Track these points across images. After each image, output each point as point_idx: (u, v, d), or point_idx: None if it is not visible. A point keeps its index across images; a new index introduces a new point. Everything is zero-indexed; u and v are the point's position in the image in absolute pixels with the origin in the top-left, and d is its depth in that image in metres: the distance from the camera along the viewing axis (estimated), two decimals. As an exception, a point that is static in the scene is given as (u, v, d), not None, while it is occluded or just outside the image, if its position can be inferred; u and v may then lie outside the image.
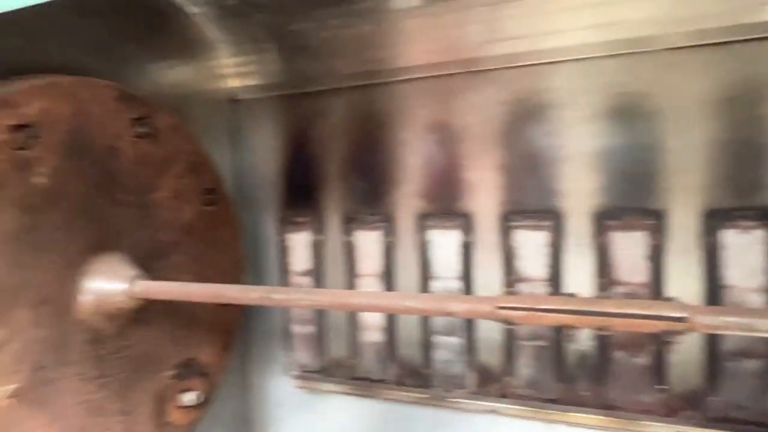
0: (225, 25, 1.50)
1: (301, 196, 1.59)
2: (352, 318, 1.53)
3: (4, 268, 0.96)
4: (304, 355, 1.61)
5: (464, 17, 1.28)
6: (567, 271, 1.25)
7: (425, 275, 1.42)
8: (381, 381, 1.51)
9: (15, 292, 0.97)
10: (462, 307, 0.84)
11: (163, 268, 1.29)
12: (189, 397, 1.32)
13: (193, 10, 1.46)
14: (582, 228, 1.24)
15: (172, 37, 1.44)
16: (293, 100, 1.58)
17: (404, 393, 1.48)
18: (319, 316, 1.58)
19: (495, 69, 1.30)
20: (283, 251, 1.61)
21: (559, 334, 1.29)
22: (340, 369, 1.57)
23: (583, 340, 1.26)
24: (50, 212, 1.03)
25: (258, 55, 1.54)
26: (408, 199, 1.45)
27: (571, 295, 0.96)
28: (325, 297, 0.95)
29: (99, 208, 1.13)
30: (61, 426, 1.04)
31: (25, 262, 0.99)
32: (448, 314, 0.87)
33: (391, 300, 0.90)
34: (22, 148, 0.97)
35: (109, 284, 1.09)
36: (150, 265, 1.25)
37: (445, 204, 1.39)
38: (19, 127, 0.96)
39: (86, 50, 1.19)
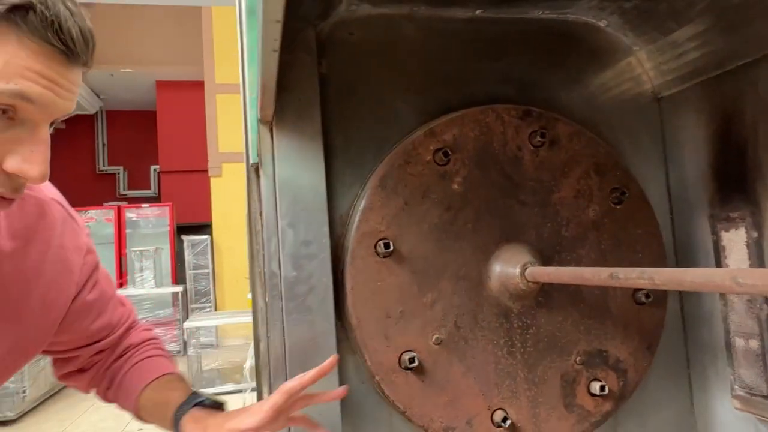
0: (633, 26, 1.53)
1: (734, 188, 1.39)
2: (807, 334, 1.22)
3: (434, 250, 1.34)
4: (749, 374, 1.37)
5: None
6: None
7: None
8: None
9: (441, 268, 1.34)
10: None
11: (569, 260, 1.42)
12: (598, 387, 1.38)
13: (602, 23, 1.56)
14: None
15: (587, 52, 1.58)
16: (715, 83, 1.42)
17: None
18: (763, 327, 1.32)
19: None
20: (718, 252, 1.44)
21: None
22: (798, 398, 1.25)
23: None
24: (464, 210, 1.36)
25: (671, 47, 1.48)
26: None
27: None
28: (660, 276, 0.89)
29: (503, 208, 1.39)
30: (475, 377, 1.33)
31: (447, 247, 1.35)
32: (788, 293, 0.68)
33: (721, 276, 0.76)
34: (442, 165, 1.35)
35: (507, 268, 1.33)
36: (555, 257, 1.41)
37: None
38: (439, 149, 1.34)
39: (498, 85, 1.49)
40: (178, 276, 10.64)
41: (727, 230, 1.41)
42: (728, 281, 0.76)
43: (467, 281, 1.36)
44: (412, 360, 1.28)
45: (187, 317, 8.71)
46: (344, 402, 1.30)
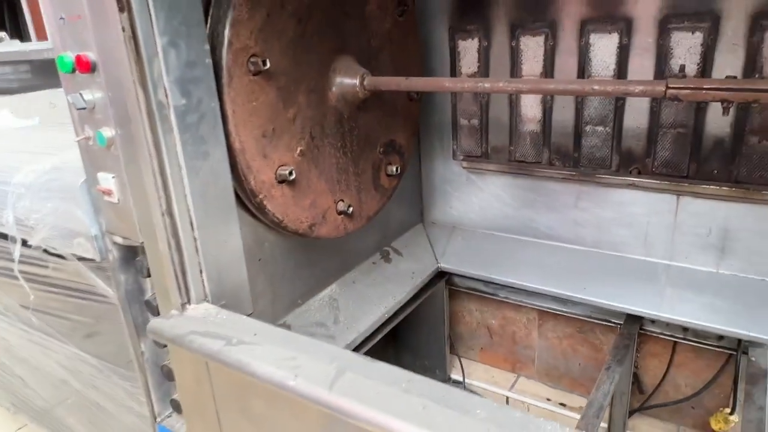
0: None
1: (471, 6, 1.82)
2: (513, 111, 1.86)
3: (292, 63, 1.35)
4: (469, 144, 1.99)
5: None
6: (717, 67, 1.46)
7: (582, 76, 1.67)
8: (535, 163, 1.88)
9: (297, 82, 1.37)
10: (639, 88, 1.13)
11: (374, 68, 1.64)
12: (392, 169, 1.76)
13: None
14: (738, 29, 1.41)
15: None
16: None
17: (554, 171, 1.84)
18: (483, 111, 1.91)
19: None
20: (455, 56, 1.91)
21: (699, 122, 1.55)
22: (500, 154, 1.94)
23: (722, 127, 1.52)
24: (310, 21, 1.38)
25: None
26: (571, 6, 1.65)
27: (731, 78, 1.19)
28: (515, 84, 1.27)
29: (336, 19, 1.46)
30: (325, 178, 1.52)
31: (301, 59, 1.37)
32: (627, 94, 1.16)
33: (582, 85, 1.19)
34: (294, -28, 1.29)
35: (347, 79, 1.47)
36: (366, 65, 1.60)
37: (608, 8, 1.58)
38: (292, -45, 1.27)
39: None
40: None
41: (464, 39, 1.87)
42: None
43: (316, 93, 1.44)
44: (291, 173, 1.36)
45: None
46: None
